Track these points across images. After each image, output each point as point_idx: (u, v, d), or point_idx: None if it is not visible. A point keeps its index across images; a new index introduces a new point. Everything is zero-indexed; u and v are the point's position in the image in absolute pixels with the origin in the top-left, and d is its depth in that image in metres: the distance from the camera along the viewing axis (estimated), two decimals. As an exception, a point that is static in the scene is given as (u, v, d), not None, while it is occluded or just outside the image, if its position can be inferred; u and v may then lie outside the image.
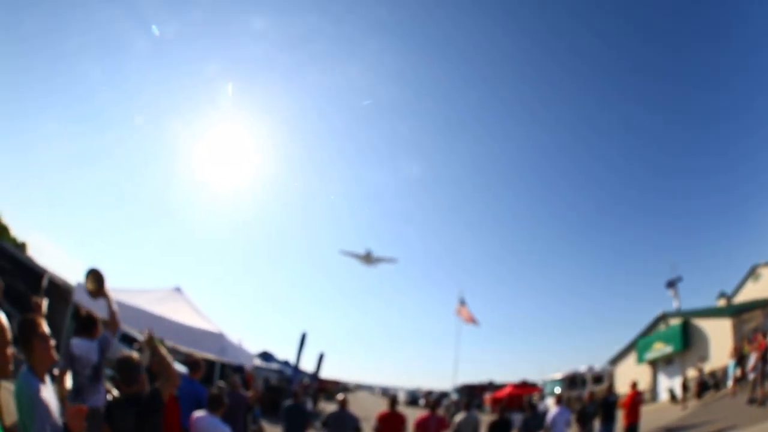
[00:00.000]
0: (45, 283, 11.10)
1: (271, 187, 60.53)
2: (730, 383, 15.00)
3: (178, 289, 10.72)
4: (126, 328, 7.98)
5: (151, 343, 3.12)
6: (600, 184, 57.27)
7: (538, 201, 61.32)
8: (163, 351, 3.09)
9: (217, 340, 9.32)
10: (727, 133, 46.39)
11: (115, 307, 4.47)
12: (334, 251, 64.73)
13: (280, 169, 57.36)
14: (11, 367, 2.03)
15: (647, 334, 23.33)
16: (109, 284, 4.62)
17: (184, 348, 8.77)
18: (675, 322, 21.53)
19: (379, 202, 67.48)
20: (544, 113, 56.81)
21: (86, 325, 4.47)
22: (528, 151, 60.90)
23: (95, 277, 4.42)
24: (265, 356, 25.72)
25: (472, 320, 23.72)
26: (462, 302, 24.64)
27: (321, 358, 21.99)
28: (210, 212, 63.19)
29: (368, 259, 36.51)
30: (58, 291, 10.83)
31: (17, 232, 25.35)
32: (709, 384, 17.50)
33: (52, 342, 2.49)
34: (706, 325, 19.89)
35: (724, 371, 16.44)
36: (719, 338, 18.33)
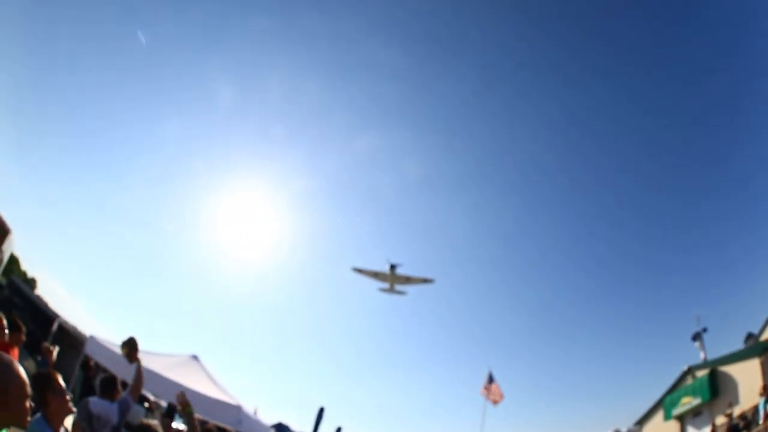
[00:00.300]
0: (55, 327, 10.88)
1: (289, 254, 59.72)
2: (761, 421, 14.30)
3: (195, 357, 10.65)
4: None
5: (187, 410, 3.16)
6: (615, 250, 56.37)
7: (552, 266, 59.77)
8: (196, 420, 3.21)
9: (235, 412, 9.09)
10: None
11: (142, 374, 4.58)
12: (353, 318, 62.11)
13: (297, 233, 56.08)
14: (29, 418, 2.02)
15: (674, 390, 22.53)
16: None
17: (198, 416, 8.46)
18: (702, 373, 20.77)
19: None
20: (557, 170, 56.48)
21: (106, 386, 4.58)
22: (543, 215, 59.69)
23: (132, 344, 4.60)
24: (280, 428, 24.82)
25: (501, 397, 21.04)
26: (491, 379, 21.30)
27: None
28: (229, 279, 62.44)
29: (392, 279, 26.68)
30: (68, 338, 10.62)
31: (27, 266, 25.50)
32: (739, 427, 16.77)
33: (68, 395, 2.58)
34: (733, 369, 19.23)
35: (755, 410, 15.60)
36: (749, 380, 17.70)
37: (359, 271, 27.23)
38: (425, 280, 27.25)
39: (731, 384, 18.94)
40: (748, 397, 17.25)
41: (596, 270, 55.97)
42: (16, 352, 5.30)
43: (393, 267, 26.51)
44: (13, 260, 23.60)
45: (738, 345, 23.38)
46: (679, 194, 50.13)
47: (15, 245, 18.75)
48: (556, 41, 47.04)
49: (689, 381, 21.80)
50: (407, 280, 27.07)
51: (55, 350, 8.37)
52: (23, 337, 5.53)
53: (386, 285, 27.83)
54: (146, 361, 7.99)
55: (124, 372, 8.78)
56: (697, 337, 22.58)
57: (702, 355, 22.64)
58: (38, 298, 14.86)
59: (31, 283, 22.85)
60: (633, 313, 53.54)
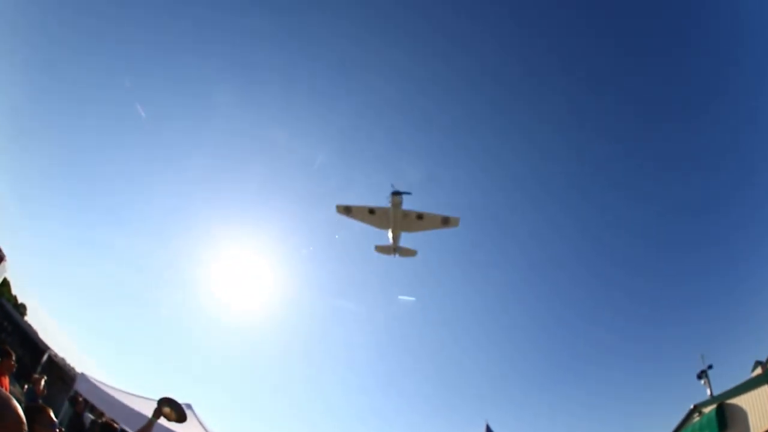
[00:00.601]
0: (45, 359, 10.60)
1: (282, 305, 58.51)
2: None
3: (188, 406, 10.35)
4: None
5: None
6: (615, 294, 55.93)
7: (552, 310, 58.59)
8: None
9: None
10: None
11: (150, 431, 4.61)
12: (345, 370, 59.14)
13: (293, 282, 54.52)
14: None
15: (680, 430, 21.74)
16: (121, 387, 4.88)
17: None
18: (708, 409, 20.22)
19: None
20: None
21: None
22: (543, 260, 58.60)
23: (178, 412, 4.68)
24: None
25: None
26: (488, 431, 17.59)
27: None
28: (224, 331, 61.04)
29: (397, 217, 17.22)
30: (57, 370, 10.31)
31: (17, 292, 25.08)
32: (751, 453, 16.65)
33: (58, 430, 2.69)
34: (741, 400, 18.79)
35: (766, 435, 15.65)
36: (759, 408, 17.51)
37: (346, 210, 18.00)
38: (446, 221, 17.93)
39: (740, 415, 18.58)
40: (758, 425, 16.98)
41: (597, 313, 55.22)
42: (6, 380, 5.13)
43: (398, 194, 16.98)
44: (4, 283, 23.20)
45: (746, 375, 23.17)
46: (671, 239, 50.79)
47: (8, 271, 18.50)
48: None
49: (696, 419, 21.20)
50: (419, 219, 17.62)
51: (43, 381, 8.11)
52: (13, 364, 5.35)
53: (387, 235, 18.42)
54: (140, 406, 7.82)
55: (111, 411, 8.51)
56: (702, 375, 22.18)
57: (708, 392, 22.18)
58: (28, 325, 14.53)
59: (21, 308, 22.40)
60: (636, 357, 52.52)
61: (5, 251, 13.37)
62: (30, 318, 20.04)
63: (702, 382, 22.18)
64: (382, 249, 19.35)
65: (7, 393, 1.99)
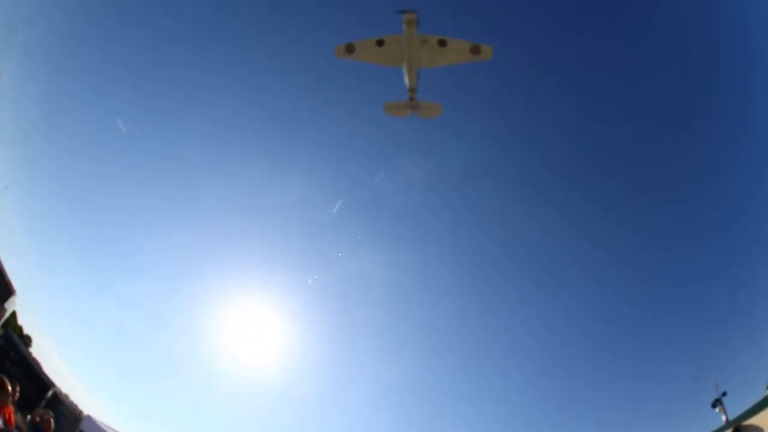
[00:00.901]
0: (50, 394, 10.71)
1: (294, 358, 56.28)
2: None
3: None
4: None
5: None
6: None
7: (560, 335, 56.50)
8: None
9: None
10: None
11: None
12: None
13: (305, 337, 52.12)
14: None
15: (697, 458, 21.22)
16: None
17: None
18: (725, 434, 19.93)
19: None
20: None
21: None
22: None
23: None
24: None
25: None
26: None
27: None
28: (234, 379, 58.88)
29: (412, 42, 13.57)
30: (61, 406, 10.36)
31: (23, 322, 25.09)
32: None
33: None
34: (757, 420, 18.82)
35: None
36: None
37: (348, 50, 14.02)
38: (476, 50, 13.69)
39: (756, 434, 18.48)
40: (774, 442, 17.15)
41: (608, 340, 53.50)
42: (11, 409, 5.22)
43: (408, 12, 13.23)
44: (12, 314, 23.33)
45: (760, 394, 22.69)
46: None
47: (17, 305, 18.71)
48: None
49: (712, 445, 20.82)
50: (441, 46, 13.68)
51: (51, 418, 8.20)
52: (17, 393, 5.44)
53: (402, 71, 14.37)
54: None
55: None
56: (717, 403, 21.71)
57: (723, 419, 21.70)
58: (33, 358, 14.66)
59: (26, 340, 22.45)
60: (647, 387, 50.71)
61: (15, 285, 13.63)
62: (35, 350, 20.10)
63: (717, 410, 21.70)
64: (394, 108, 15.24)
65: None
